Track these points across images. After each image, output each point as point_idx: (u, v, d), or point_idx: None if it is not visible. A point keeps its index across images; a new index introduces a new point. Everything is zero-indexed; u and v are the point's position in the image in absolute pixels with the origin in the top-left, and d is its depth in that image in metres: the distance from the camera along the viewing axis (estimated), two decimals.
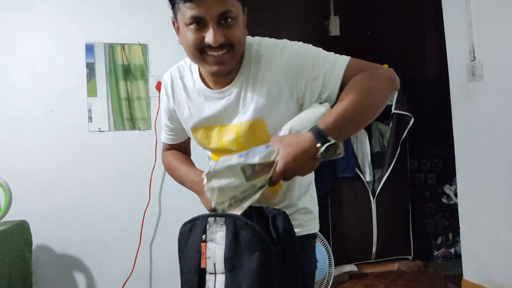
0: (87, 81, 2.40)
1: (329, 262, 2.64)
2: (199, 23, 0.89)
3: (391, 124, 3.17)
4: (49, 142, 2.34)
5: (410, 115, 3.10)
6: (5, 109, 2.30)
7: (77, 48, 2.39)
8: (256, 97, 0.98)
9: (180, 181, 1.15)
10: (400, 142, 3.12)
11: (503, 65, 2.23)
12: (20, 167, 2.29)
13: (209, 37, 0.89)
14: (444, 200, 3.47)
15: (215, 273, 0.86)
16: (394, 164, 3.10)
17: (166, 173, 2.50)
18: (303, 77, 0.94)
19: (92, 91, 2.41)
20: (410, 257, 3.17)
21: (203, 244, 0.87)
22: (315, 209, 1.15)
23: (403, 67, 3.32)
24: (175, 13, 0.95)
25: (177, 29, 0.99)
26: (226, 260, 0.84)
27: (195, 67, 1.07)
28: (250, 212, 0.89)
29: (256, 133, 0.99)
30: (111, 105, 2.43)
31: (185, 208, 2.45)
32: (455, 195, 3.29)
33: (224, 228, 0.86)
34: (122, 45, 2.45)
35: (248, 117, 0.98)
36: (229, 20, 0.90)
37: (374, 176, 3.16)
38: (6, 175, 2.04)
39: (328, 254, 2.64)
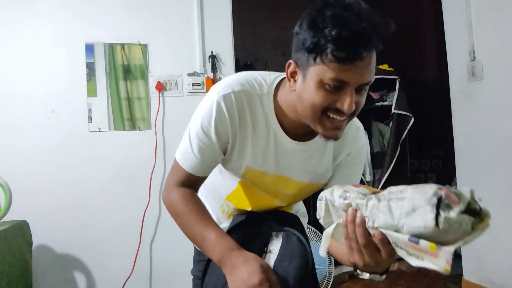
0: (87, 81, 2.40)
1: (329, 262, 2.64)
2: (338, 85, 0.81)
3: (391, 124, 3.17)
4: (49, 142, 2.34)
5: (410, 115, 3.10)
6: (5, 109, 2.30)
7: (77, 48, 2.39)
8: (328, 163, 1.04)
9: (198, 242, 0.96)
10: (400, 142, 3.12)
11: (503, 65, 2.23)
12: (20, 167, 2.29)
13: (345, 104, 0.81)
14: None
15: None
16: (394, 164, 3.10)
17: (166, 173, 2.51)
18: (344, 172, 1.05)
19: (92, 91, 2.41)
20: None
21: (264, 255, 0.97)
22: (305, 211, 1.28)
23: (403, 67, 3.33)
24: (306, 60, 0.82)
25: (293, 74, 0.88)
26: (275, 265, 0.92)
27: (269, 101, 0.95)
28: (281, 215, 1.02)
29: (307, 193, 1.08)
30: (111, 105, 2.43)
31: None
32: None
33: (280, 240, 0.97)
34: (122, 45, 2.45)
35: (319, 181, 1.05)
36: (365, 89, 0.86)
37: (374, 176, 3.16)
38: (6, 175, 2.04)
39: (328, 254, 2.64)
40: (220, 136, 0.94)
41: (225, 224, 1.11)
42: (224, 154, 0.99)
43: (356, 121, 1.03)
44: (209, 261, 0.99)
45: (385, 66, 3.22)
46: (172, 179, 1.01)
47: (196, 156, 0.96)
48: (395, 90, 3.14)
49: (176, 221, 1.00)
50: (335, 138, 0.90)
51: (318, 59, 0.80)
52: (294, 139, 0.97)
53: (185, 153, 0.98)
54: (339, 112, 0.83)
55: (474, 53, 2.38)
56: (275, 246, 0.96)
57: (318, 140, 0.98)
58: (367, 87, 0.86)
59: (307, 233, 1.21)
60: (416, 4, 3.93)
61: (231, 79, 0.95)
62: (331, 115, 0.84)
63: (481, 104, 2.38)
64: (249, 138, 0.95)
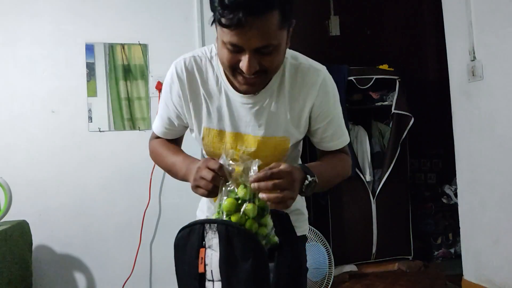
0: (87, 81, 2.40)
1: (329, 262, 2.64)
2: (235, 48, 0.84)
3: (391, 124, 3.17)
4: (49, 142, 2.34)
5: (410, 115, 3.10)
6: (5, 109, 2.30)
7: (77, 48, 2.39)
8: (288, 115, 1.01)
9: (171, 168, 1.06)
10: (400, 142, 3.12)
11: (503, 65, 2.23)
12: (20, 167, 2.29)
13: (243, 65, 0.85)
14: (444, 200, 3.47)
15: (213, 280, 0.85)
16: (394, 164, 3.10)
17: (166, 173, 2.52)
18: (322, 122, 1.04)
19: (92, 91, 2.41)
20: (410, 257, 3.16)
21: (202, 249, 0.85)
22: (306, 211, 1.18)
23: (403, 67, 3.33)
24: (214, 22, 0.87)
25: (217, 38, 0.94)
26: (221, 267, 0.83)
27: (218, 62, 1.00)
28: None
29: (277, 150, 1.04)
30: (111, 105, 2.43)
31: (185, 208, 2.46)
32: (455, 195, 3.29)
33: (217, 234, 0.84)
34: (122, 45, 2.45)
35: (275, 133, 1.02)
36: (269, 48, 0.85)
37: (374, 176, 3.16)
38: (6, 175, 2.04)
39: (328, 254, 2.64)
40: (175, 100, 1.03)
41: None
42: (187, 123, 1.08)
43: (314, 63, 1.02)
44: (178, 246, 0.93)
45: (385, 66, 3.22)
46: (151, 136, 1.19)
47: (163, 122, 1.11)
48: (395, 90, 3.14)
49: (156, 161, 1.14)
50: (251, 92, 0.96)
51: (216, 22, 0.85)
52: (242, 92, 0.98)
53: (157, 117, 1.14)
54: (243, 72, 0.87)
55: (474, 53, 2.38)
56: (212, 240, 0.85)
57: (265, 92, 0.98)
58: (274, 48, 0.86)
59: (307, 233, 1.19)
60: (416, 4, 3.93)
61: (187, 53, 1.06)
62: (240, 73, 0.88)
63: (481, 104, 2.38)
64: (201, 98, 1.01)
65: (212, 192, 0.86)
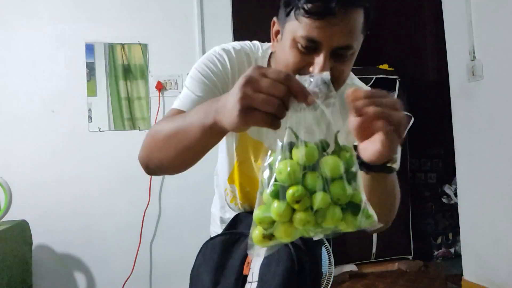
0: (87, 81, 2.40)
1: (329, 262, 2.64)
2: (311, 46, 0.74)
3: None
4: (49, 142, 2.34)
5: (410, 115, 3.09)
6: (5, 109, 2.30)
7: (77, 48, 2.39)
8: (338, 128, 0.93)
9: (180, 125, 0.71)
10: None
11: (503, 65, 2.23)
12: (20, 167, 2.29)
13: (315, 67, 0.74)
14: (444, 200, 3.47)
15: (251, 282, 0.89)
16: None
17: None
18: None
19: (92, 91, 2.41)
20: (410, 257, 3.16)
21: (249, 256, 0.89)
22: None
23: (403, 67, 3.32)
24: (284, 18, 0.77)
25: (275, 34, 0.83)
26: (261, 269, 0.87)
27: (263, 64, 0.89)
28: None
29: None
30: (111, 105, 2.43)
31: (185, 208, 2.47)
32: (455, 195, 3.29)
33: None
34: (122, 45, 2.45)
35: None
36: (344, 55, 0.76)
37: None
38: (6, 175, 2.04)
39: (328, 254, 2.64)
40: (218, 79, 0.86)
41: (228, 215, 1.06)
42: None
43: (358, 82, 0.95)
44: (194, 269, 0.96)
45: (385, 66, 3.22)
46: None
47: (196, 94, 0.86)
48: (395, 90, 3.14)
49: (155, 139, 0.80)
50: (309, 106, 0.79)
51: (291, 14, 0.74)
52: None
53: (184, 98, 0.88)
54: None
55: (474, 53, 2.38)
56: (262, 249, 0.90)
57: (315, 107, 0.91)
58: (351, 55, 0.76)
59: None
60: (416, 4, 3.92)
61: (230, 43, 0.92)
62: None
63: (481, 104, 2.38)
64: None
65: (279, 114, 0.53)
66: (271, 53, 0.92)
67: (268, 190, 0.53)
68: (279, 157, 0.53)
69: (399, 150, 0.68)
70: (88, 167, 2.39)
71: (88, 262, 2.39)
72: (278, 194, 0.52)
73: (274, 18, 0.84)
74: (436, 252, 3.29)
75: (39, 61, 2.35)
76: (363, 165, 0.66)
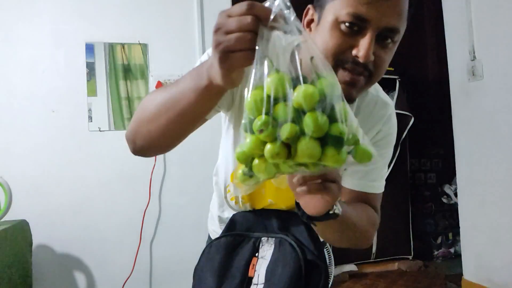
0: (87, 80, 2.40)
1: (329, 262, 2.64)
2: (356, 26, 0.68)
3: None
4: (49, 142, 2.34)
5: (410, 115, 3.10)
6: (5, 109, 2.30)
7: (77, 48, 2.39)
8: None
9: (172, 93, 0.67)
10: (400, 142, 3.12)
11: (503, 65, 2.23)
12: (20, 167, 2.29)
13: (361, 49, 0.68)
14: (444, 200, 3.47)
15: (257, 284, 0.89)
16: (394, 164, 3.09)
17: (166, 173, 2.52)
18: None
19: (92, 91, 2.41)
20: (410, 257, 3.17)
21: (254, 258, 0.89)
22: None
23: (403, 67, 3.32)
24: (323, 0, 0.72)
25: (310, 21, 0.77)
26: (267, 271, 0.87)
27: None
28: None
29: None
30: (111, 105, 2.43)
31: (185, 208, 2.47)
32: (455, 195, 3.29)
33: (272, 246, 0.89)
34: (122, 45, 2.45)
35: None
36: (389, 41, 0.71)
37: None
38: (6, 175, 2.04)
39: (328, 254, 2.64)
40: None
41: (226, 215, 1.03)
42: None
43: (383, 95, 0.92)
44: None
45: None
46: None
47: None
48: (395, 90, 3.14)
49: (147, 113, 0.71)
50: (348, 96, 0.72)
51: None
52: None
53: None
54: (355, 62, 0.69)
55: (474, 53, 2.38)
56: (267, 252, 0.90)
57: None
58: (395, 40, 0.72)
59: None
60: (416, 4, 3.92)
61: None
62: (346, 66, 0.70)
63: (481, 104, 2.38)
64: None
65: (255, 45, 0.50)
66: None
67: (241, 124, 0.51)
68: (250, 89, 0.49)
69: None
70: (88, 167, 2.39)
71: (88, 262, 2.39)
72: (246, 126, 0.50)
73: (309, 6, 0.77)
74: (436, 252, 3.29)
75: (39, 61, 2.35)
76: (308, 218, 0.66)
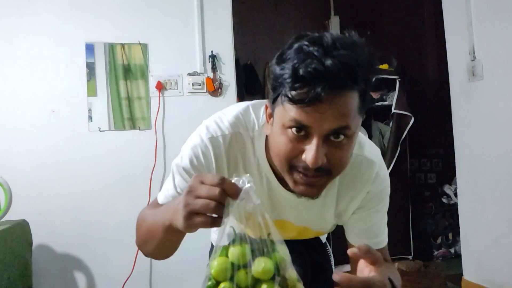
0: (87, 80, 2.40)
1: None
2: (301, 131, 0.69)
3: (391, 124, 3.17)
4: (49, 142, 2.34)
5: (410, 115, 3.10)
6: (5, 109, 2.30)
7: (77, 48, 2.39)
8: (334, 212, 0.92)
9: (152, 221, 0.82)
10: (400, 142, 3.12)
11: (503, 65, 2.23)
12: (20, 167, 2.28)
13: (308, 155, 0.68)
14: (444, 200, 3.47)
15: None
16: (394, 164, 3.10)
17: (166, 173, 2.51)
18: (357, 213, 0.92)
19: (92, 91, 2.41)
20: (410, 257, 3.17)
21: None
22: None
23: (403, 67, 3.33)
24: (273, 101, 0.73)
25: (269, 116, 0.78)
26: None
27: (259, 145, 0.84)
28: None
29: (306, 235, 1.00)
30: (111, 105, 2.43)
31: None
32: (455, 195, 3.29)
33: None
34: (122, 45, 2.45)
35: (319, 229, 0.97)
36: (342, 137, 0.70)
37: None
38: (6, 175, 2.03)
39: (328, 254, 2.64)
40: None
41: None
42: None
43: (368, 152, 0.88)
44: None
45: (385, 66, 3.22)
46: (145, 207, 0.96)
47: (177, 191, 0.88)
48: (395, 90, 3.14)
49: (139, 231, 0.91)
50: (310, 196, 0.76)
51: (278, 99, 0.70)
52: (289, 188, 0.81)
53: (167, 191, 0.91)
54: (306, 166, 0.70)
55: (474, 53, 2.38)
56: None
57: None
58: (347, 135, 0.70)
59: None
60: (416, 4, 3.93)
61: (222, 118, 0.87)
62: (299, 170, 0.72)
63: (481, 104, 2.38)
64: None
65: (217, 218, 0.60)
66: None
67: (205, 285, 0.60)
68: (217, 254, 0.60)
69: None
70: (88, 167, 2.39)
71: (88, 262, 2.38)
72: None
73: (266, 102, 0.79)
74: (436, 252, 3.29)
75: (39, 61, 2.35)
76: None
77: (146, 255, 0.91)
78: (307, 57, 0.65)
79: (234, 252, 0.58)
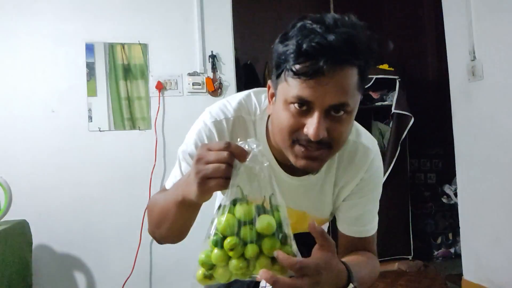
0: (87, 80, 2.40)
1: None
2: (303, 106, 0.72)
3: (391, 123, 3.17)
4: (49, 142, 2.34)
5: (410, 115, 3.10)
6: (5, 109, 2.30)
7: (77, 48, 2.39)
8: (332, 197, 0.94)
9: (165, 201, 0.82)
10: (400, 142, 3.12)
11: (503, 65, 2.23)
12: (20, 167, 2.29)
13: (309, 128, 0.71)
14: (444, 200, 3.47)
15: (265, 286, 0.89)
16: (394, 164, 3.10)
17: (166, 173, 2.52)
18: (350, 200, 0.95)
19: (92, 91, 2.41)
20: (410, 257, 3.16)
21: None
22: None
23: (403, 67, 3.32)
24: (276, 80, 0.77)
25: (271, 96, 0.82)
26: None
27: (261, 128, 0.88)
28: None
29: (304, 223, 1.02)
30: (111, 105, 2.43)
31: None
32: (455, 195, 3.29)
33: None
34: (122, 45, 2.45)
35: (318, 215, 0.97)
36: (342, 113, 0.73)
37: None
38: (6, 175, 2.04)
39: None
40: None
41: None
42: None
43: (364, 139, 0.92)
44: None
45: (385, 66, 3.22)
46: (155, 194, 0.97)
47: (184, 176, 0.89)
48: (395, 90, 3.14)
49: (152, 214, 0.89)
50: (311, 169, 0.80)
51: (282, 76, 0.73)
52: (289, 170, 0.87)
53: (174, 177, 0.92)
54: (309, 139, 0.73)
55: (474, 53, 2.38)
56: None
57: (314, 175, 0.90)
58: (346, 111, 0.73)
59: None
60: (416, 4, 3.92)
61: (225, 104, 0.91)
62: (301, 143, 0.75)
63: (481, 104, 2.38)
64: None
65: (228, 179, 0.64)
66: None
67: (210, 239, 0.65)
68: (222, 211, 0.65)
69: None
70: (88, 166, 2.39)
71: (88, 262, 2.39)
72: (217, 242, 0.64)
73: (269, 81, 0.82)
74: (436, 252, 3.29)
75: (39, 61, 2.35)
76: None
77: (159, 240, 0.91)
78: (311, 33, 0.69)
79: (240, 209, 0.64)
